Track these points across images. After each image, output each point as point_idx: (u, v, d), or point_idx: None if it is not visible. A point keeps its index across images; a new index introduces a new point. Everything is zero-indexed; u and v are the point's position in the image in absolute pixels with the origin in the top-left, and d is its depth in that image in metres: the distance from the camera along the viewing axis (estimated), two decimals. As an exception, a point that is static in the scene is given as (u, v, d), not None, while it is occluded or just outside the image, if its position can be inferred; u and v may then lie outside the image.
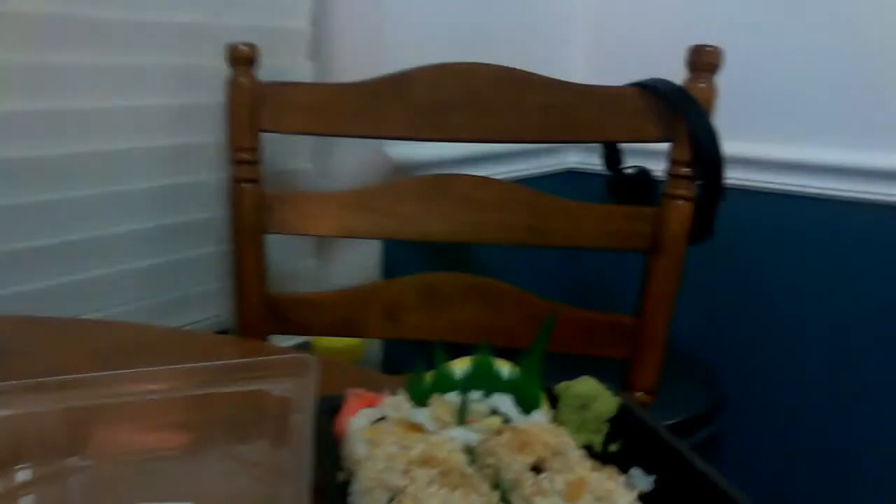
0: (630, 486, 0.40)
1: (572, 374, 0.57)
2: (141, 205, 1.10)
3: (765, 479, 1.66)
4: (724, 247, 1.42)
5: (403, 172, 1.35)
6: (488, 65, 1.00)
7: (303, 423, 0.48)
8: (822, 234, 1.53)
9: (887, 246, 1.46)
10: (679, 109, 0.93)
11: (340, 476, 0.44)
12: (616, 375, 0.97)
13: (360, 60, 1.22)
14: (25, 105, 0.96)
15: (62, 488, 0.50)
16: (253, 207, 1.02)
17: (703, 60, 0.92)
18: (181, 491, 0.50)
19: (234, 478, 0.51)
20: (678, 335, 1.00)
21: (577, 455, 0.41)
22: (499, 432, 0.43)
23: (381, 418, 0.48)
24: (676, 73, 0.94)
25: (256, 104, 1.00)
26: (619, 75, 1.05)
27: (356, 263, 1.35)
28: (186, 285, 1.18)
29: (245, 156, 1.01)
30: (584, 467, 0.39)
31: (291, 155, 1.27)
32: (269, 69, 1.03)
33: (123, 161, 1.07)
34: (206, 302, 1.20)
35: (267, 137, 1.03)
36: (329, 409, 0.52)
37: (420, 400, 0.50)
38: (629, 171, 1.19)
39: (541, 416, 0.49)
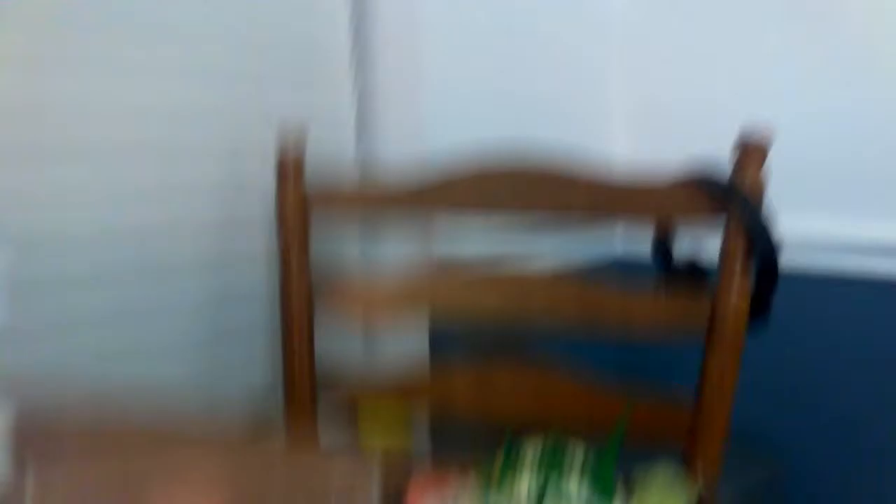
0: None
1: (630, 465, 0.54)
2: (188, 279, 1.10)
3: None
4: (779, 333, 1.37)
5: (450, 261, 1.34)
6: (531, 164, 1.00)
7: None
8: (885, 318, 1.48)
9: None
10: (730, 202, 0.92)
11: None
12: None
13: (403, 136, 1.23)
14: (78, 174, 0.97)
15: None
16: (301, 298, 1.02)
17: (753, 147, 0.91)
18: None
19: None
20: (736, 421, 0.96)
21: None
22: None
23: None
24: (721, 143, 0.92)
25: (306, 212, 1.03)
26: (660, 144, 1.04)
27: (404, 348, 1.32)
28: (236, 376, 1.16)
29: (294, 242, 1.02)
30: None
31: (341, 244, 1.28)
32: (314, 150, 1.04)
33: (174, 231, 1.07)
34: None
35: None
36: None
37: (491, 486, 0.47)
38: (681, 259, 1.17)
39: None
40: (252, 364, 1.19)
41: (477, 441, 0.51)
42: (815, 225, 1.53)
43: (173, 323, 1.09)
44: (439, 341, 1.39)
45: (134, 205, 1.03)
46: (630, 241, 1.84)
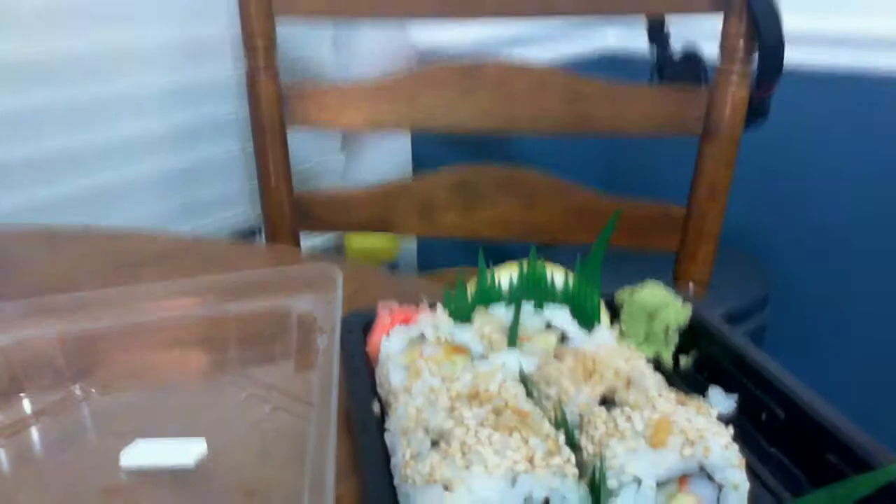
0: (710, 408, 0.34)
1: (618, 271, 0.50)
2: (158, 104, 1.03)
3: (810, 371, 1.61)
4: (778, 132, 1.31)
5: (429, 60, 1.26)
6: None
7: (329, 343, 0.42)
8: (885, 118, 1.42)
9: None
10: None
11: (375, 409, 0.39)
12: (663, 269, 0.90)
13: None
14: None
15: (67, 420, 0.45)
16: (271, 101, 0.95)
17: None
18: (196, 421, 0.45)
19: (254, 405, 0.45)
20: (724, 223, 0.93)
21: (655, 383, 0.34)
22: (559, 356, 0.37)
23: (419, 338, 0.42)
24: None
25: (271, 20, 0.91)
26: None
27: (385, 158, 1.28)
28: (212, 187, 1.12)
29: (259, 43, 0.93)
30: (666, 400, 0.32)
31: (311, 45, 1.18)
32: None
33: (134, 57, 0.99)
34: (233, 203, 1.15)
35: (285, 28, 0.94)
36: (358, 327, 0.46)
37: (462, 315, 0.44)
38: (677, 51, 1.09)
39: (605, 332, 0.42)
40: (230, 194, 1.14)
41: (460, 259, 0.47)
42: (824, 20, 1.43)
43: (149, 160, 1.03)
44: (422, 150, 1.33)
45: (92, 27, 0.94)
46: (624, 36, 1.73)
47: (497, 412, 0.32)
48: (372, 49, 1.23)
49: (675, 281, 0.94)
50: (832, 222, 1.53)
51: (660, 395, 0.33)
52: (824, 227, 1.54)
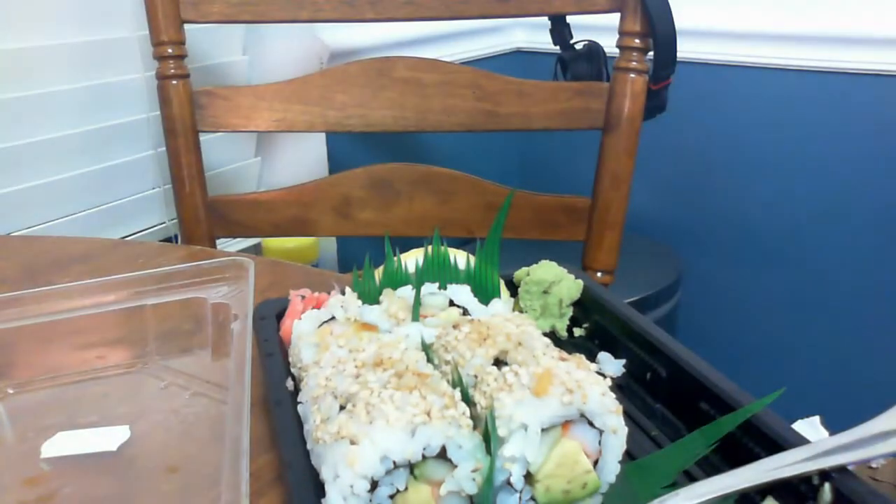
0: (600, 373, 0.38)
1: (530, 262, 0.54)
2: (67, 108, 1.01)
3: (719, 352, 1.69)
4: (676, 123, 1.38)
5: (341, 60, 1.28)
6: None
7: (242, 330, 0.44)
8: (777, 106, 1.51)
9: (843, 115, 1.44)
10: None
11: (289, 385, 0.41)
12: (573, 259, 0.95)
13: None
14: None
15: (-14, 417, 0.46)
16: (183, 105, 0.95)
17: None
18: (116, 412, 0.46)
19: (173, 393, 0.47)
20: (631, 213, 0.98)
21: (542, 344, 0.38)
22: (457, 326, 0.40)
23: (329, 319, 0.44)
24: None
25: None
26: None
27: (301, 160, 1.29)
28: (125, 193, 1.11)
29: (169, 49, 0.93)
30: (551, 357, 0.36)
31: (222, 48, 1.19)
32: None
33: (44, 61, 0.97)
34: (148, 210, 1.14)
35: (195, 31, 0.95)
36: (272, 314, 0.48)
37: (372, 297, 0.46)
38: (579, 47, 1.14)
39: (501, 304, 0.45)
40: (144, 201, 1.14)
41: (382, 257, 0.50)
42: (706, 14, 1.51)
43: (59, 167, 1.02)
44: (337, 150, 1.35)
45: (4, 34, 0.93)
46: (530, 33, 1.78)
47: (399, 375, 0.35)
48: (283, 50, 1.24)
49: (583, 270, 0.98)
50: (738, 208, 1.61)
51: (544, 354, 0.36)
52: (731, 214, 1.62)
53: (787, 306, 1.60)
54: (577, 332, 0.51)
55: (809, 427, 0.95)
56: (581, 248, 0.99)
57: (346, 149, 1.37)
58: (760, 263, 1.61)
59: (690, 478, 0.38)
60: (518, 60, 1.80)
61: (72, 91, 1.01)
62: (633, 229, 0.97)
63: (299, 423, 0.38)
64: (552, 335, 0.51)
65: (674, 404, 0.44)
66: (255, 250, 1.26)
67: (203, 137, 0.98)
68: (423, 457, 0.32)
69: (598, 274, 0.98)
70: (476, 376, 0.36)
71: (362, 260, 1.38)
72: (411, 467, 0.32)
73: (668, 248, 1.62)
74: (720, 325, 1.70)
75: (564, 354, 0.37)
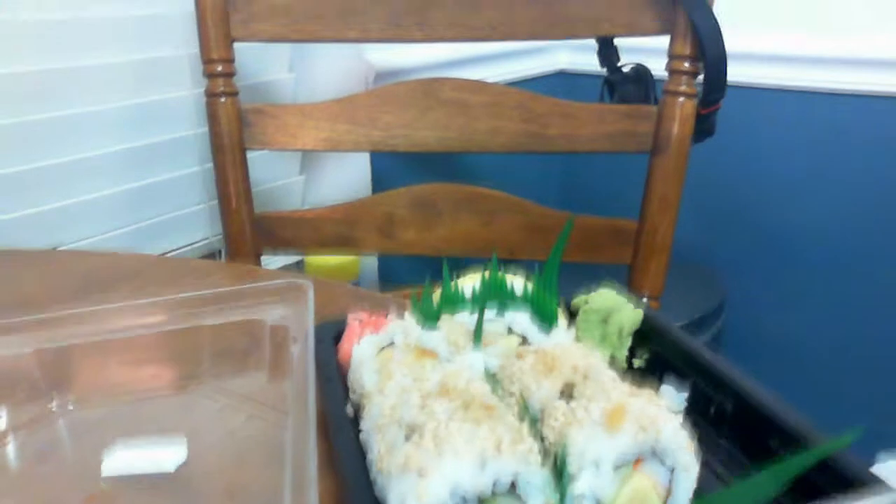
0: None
1: (577, 285, 0.53)
2: (116, 125, 1.03)
3: (764, 379, 1.66)
4: (724, 147, 1.37)
5: (387, 80, 1.29)
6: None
7: (302, 352, 0.44)
8: (822, 129, 1.48)
9: (889, 139, 1.41)
10: (681, 4, 0.87)
11: (349, 411, 0.41)
12: (618, 282, 0.94)
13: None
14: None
15: (45, 434, 0.46)
16: (231, 122, 0.96)
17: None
18: (171, 432, 0.46)
19: (229, 414, 0.47)
20: (676, 237, 0.96)
21: (609, 377, 0.37)
22: (520, 356, 0.39)
23: (389, 344, 0.44)
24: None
25: (226, 11, 0.93)
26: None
27: (345, 178, 1.29)
28: (172, 208, 1.12)
29: (218, 67, 0.95)
30: (620, 392, 0.35)
31: (270, 66, 1.20)
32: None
33: (94, 79, 0.99)
34: (193, 225, 1.15)
35: (242, 48, 0.96)
36: (329, 336, 0.48)
37: (429, 321, 0.46)
38: (626, 69, 1.13)
39: (562, 333, 0.45)
40: (191, 216, 1.15)
41: (421, 275, 0.49)
42: (765, 40, 1.49)
43: (107, 182, 1.03)
44: (381, 169, 1.35)
45: (53, 48, 0.94)
46: (576, 55, 1.78)
47: (465, 406, 0.34)
48: (329, 70, 1.25)
49: (626, 293, 0.97)
50: (782, 232, 1.59)
51: (614, 387, 0.35)
52: (775, 238, 1.60)
53: (833, 332, 1.56)
54: (637, 362, 0.50)
55: (887, 470, 0.93)
56: (624, 272, 0.98)
57: (389, 168, 1.38)
58: (805, 288, 1.58)
59: (761, 518, 0.37)
60: (562, 82, 1.80)
61: (122, 108, 1.03)
62: (675, 252, 0.96)
63: (361, 451, 0.37)
64: (611, 365, 0.50)
65: (740, 441, 0.42)
66: (298, 267, 1.26)
67: (249, 154, 0.99)
68: (493, 492, 0.31)
69: (644, 299, 0.96)
70: (542, 409, 0.36)
71: (403, 278, 1.38)
72: (480, 501, 0.32)
73: (711, 271, 1.60)
74: (764, 352, 1.67)
75: (634, 388, 0.36)
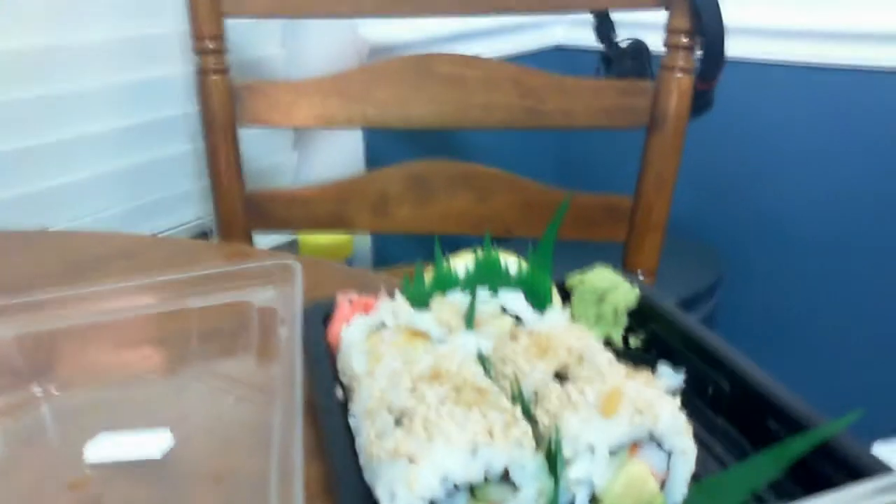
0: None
1: (570, 262, 0.52)
2: (105, 103, 1.01)
3: (759, 357, 1.66)
4: (722, 122, 1.35)
5: (380, 55, 1.27)
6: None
7: (291, 334, 0.43)
8: (820, 105, 1.47)
9: (890, 114, 1.40)
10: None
11: (338, 394, 0.40)
12: (612, 259, 0.93)
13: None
14: None
15: (29, 419, 0.45)
16: (222, 100, 0.94)
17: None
18: (159, 415, 0.45)
19: (217, 397, 0.46)
20: (672, 214, 0.95)
21: (605, 359, 0.36)
22: (514, 336, 0.38)
23: (379, 325, 0.43)
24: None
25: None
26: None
27: (338, 155, 1.28)
28: (163, 187, 1.11)
29: (209, 44, 0.93)
30: (617, 374, 0.34)
31: (260, 42, 1.18)
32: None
33: (83, 56, 0.97)
34: (185, 204, 1.14)
35: (233, 24, 0.94)
36: (319, 318, 0.47)
37: (421, 302, 0.45)
38: (623, 44, 1.11)
39: (557, 313, 0.44)
40: (182, 195, 1.13)
41: (415, 254, 0.48)
42: (748, 12, 1.47)
43: (98, 160, 1.02)
44: (375, 146, 1.34)
45: (39, 27, 0.93)
46: (572, 30, 1.76)
47: (457, 390, 0.33)
48: (322, 45, 1.23)
49: (623, 270, 0.96)
50: (779, 209, 1.57)
51: (610, 370, 0.34)
52: (772, 214, 1.59)
53: (831, 310, 1.56)
54: (633, 341, 0.49)
55: (889, 450, 0.92)
56: (619, 249, 0.97)
57: (382, 145, 1.36)
58: (802, 266, 1.57)
59: (760, 501, 0.36)
60: (558, 57, 1.77)
61: (111, 86, 1.01)
62: (671, 228, 0.95)
63: (350, 435, 0.37)
64: (607, 345, 0.49)
65: (738, 420, 0.42)
66: (291, 246, 1.25)
67: (240, 132, 0.97)
68: (485, 478, 0.30)
69: (640, 272, 0.95)
70: (536, 391, 0.35)
71: (397, 256, 1.37)
72: (472, 488, 0.31)
73: (707, 248, 1.60)
74: (759, 330, 1.66)
75: (630, 370, 0.35)
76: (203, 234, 1.17)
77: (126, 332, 0.50)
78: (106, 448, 0.41)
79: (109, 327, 0.49)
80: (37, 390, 0.47)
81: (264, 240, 1.21)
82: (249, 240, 1.01)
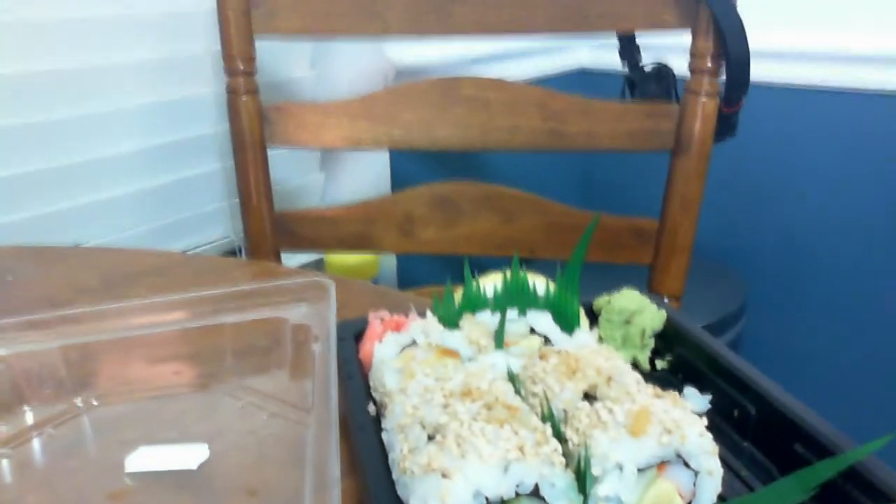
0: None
1: (595, 285, 0.52)
2: (137, 123, 1.03)
3: (785, 382, 1.64)
4: (747, 146, 1.36)
5: (407, 78, 1.29)
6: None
7: (324, 351, 0.44)
8: (845, 129, 1.47)
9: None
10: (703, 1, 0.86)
11: (370, 410, 0.41)
12: (637, 282, 0.93)
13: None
14: (10, 17, 0.89)
15: (70, 430, 0.46)
16: (252, 120, 0.96)
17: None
18: (194, 429, 0.46)
19: (251, 413, 0.47)
20: (697, 237, 0.96)
21: (633, 380, 0.37)
22: (543, 356, 0.39)
23: (411, 343, 0.44)
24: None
25: (248, 7, 0.93)
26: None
27: (364, 176, 1.30)
28: (192, 206, 1.13)
29: (240, 65, 0.95)
30: (645, 394, 0.35)
31: (290, 64, 1.20)
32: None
33: (116, 77, 1.00)
34: (214, 222, 1.16)
35: (264, 46, 0.96)
36: (351, 335, 0.48)
37: (451, 321, 0.46)
38: (648, 67, 1.12)
39: (585, 335, 0.44)
40: (211, 214, 1.15)
41: (440, 275, 0.49)
42: (773, 36, 1.48)
43: (128, 179, 1.04)
44: (400, 167, 1.35)
45: (74, 46, 0.95)
46: (597, 52, 1.77)
47: (488, 407, 0.34)
48: (350, 67, 1.25)
49: (648, 294, 0.96)
50: (805, 233, 1.57)
51: (638, 390, 0.35)
52: (797, 239, 1.58)
53: (857, 334, 1.55)
54: (660, 364, 0.50)
55: None
56: (644, 272, 0.97)
57: (408, 166, 1.38)
58: (829, 291, 1.56)
59: (786, 524, 0.36)
60: (582, 80, 1.79)
61: (144, 106, 1.03)
62: (696, 253, 0.95)
63: (383, 451, 0.37)
64: (633, 367, 0.50)
65: (764, 444, 0.42)
66: (317, 265, 1.27)
67: (269, 152, 0.99)
68: (516, 494, 0.31)
69: (665, 299, 0.96)
70: (565, 411, 0.35)
71: (422, 277, 1.38)
72: (502, 503, 0.32)
73: (733, 272, 1.59)
74: (785, 355, 1.65)
75: (658, 391, 0.36)
76: (232, 253, 1.19)
77: (162, 346, 0.51)
78: (145, 457, 0.42)
79: (146, 342, 0.50)
80: (78, 401, 0.48)
81: (291, 259, 1.22)
82: (278, 258, 1.02)
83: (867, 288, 1.51)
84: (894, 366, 1.51)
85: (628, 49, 1.12)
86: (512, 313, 0.47)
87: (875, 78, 1.40)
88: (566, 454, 0.34)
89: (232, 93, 0.96)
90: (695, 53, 0.89)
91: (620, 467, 0.32)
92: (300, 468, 0.39)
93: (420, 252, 1.03)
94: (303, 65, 1.23)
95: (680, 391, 0.43)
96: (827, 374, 1.61)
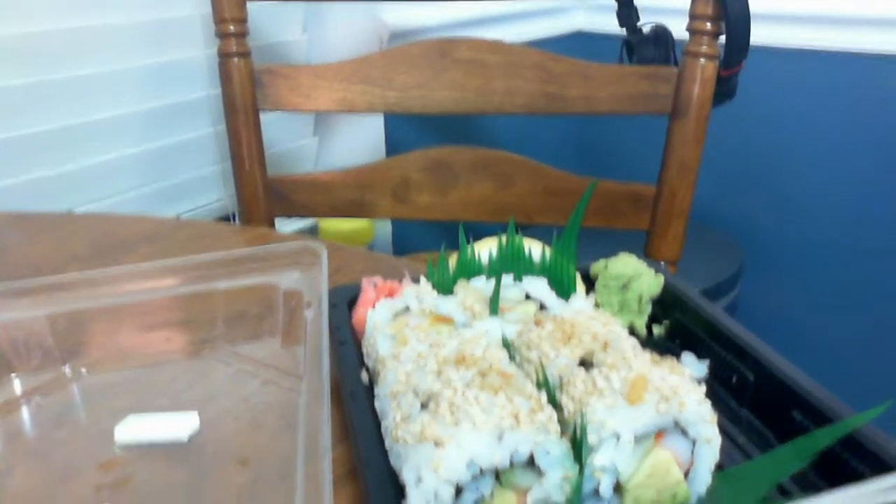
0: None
1: (592, 250, 0.52)
2: (128, 86, 1.02)
3: (779, 347, 1.65)
4: (746, 110, 1.34)
5: (401, 40, 1.27)
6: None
7: (316, 316, 0.43)
8: (846, 93, 1.45)
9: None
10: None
11: (363, 377, 0.40)
12: (634, 248, 0.92)
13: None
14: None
15: (59, 399, 0.46)
16: (244, 83, 0.95)
17: None
18: (185, 396, 0.46)
19: (243, 380, 0.46)
20: (695, 202, 0.95)
21: (630, 346, 0.36)
22: (538, 322, 0.38)
23: (404, 309, 0.43)
24: None
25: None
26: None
27: (358, 140, 1.28)
28: (186, 170, 1.11)
29: (231, 27, 0.93)
30: (642, 361, 0.34)
31: (283, 27, 1.18)
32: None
33: (106, 39, 0.98)
34: (207, 187, 1.15)
35: (255, 8, 0.94)
36: (343, 301, 0.47)
37: (445, 287, 0.45)
38: (646, 29, 1.10)
39: (582, 300, 0.44)
40: (204, 179, 1.14)
41: (435, 241, 0.49)
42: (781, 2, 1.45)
43: (120, 144, 1.02)
44: (395, 132, 1.34)
45: (64, 9, 0.93)
46: (594, 16, 1.75)
47: (482, 374, 0.33)
48: (343, 30, 1.23)
49: (646, 259, 0.96)
50: (803, 198, 1.56)
51: (635, 356, 0.34)
52: (795, 204, 1.57)
53: (854, 300, 1.55)
54: (657, 329, 0.49)
55: None
56: (641, 237, 0.97)
57: (403, 130, 1.36)
58: (826, 255, 1.56)
59: (783, 492, 0.36)
60: (579, 42, 1.76)
61: (135, 69, 1.01)
62: (693, 218, 0.94)
63: (375, 418, 0.37)
64: (630, 333, 0.49)
65: (762, 411, 0.42)
66: (311, 231, 1.26)
67: (262, 116, 0.97)
68: (511, 463, 0.31)
69: (662, 265, 0.95)
70: (561, 377, 0.35)
71: (417, 244, 1.37)
72: (497, 473, 0.31)
73: (729, 237, 1.58)
74: (781, 319, 1.65)
75: (656, 357, 0.35)
76: (225, 217, 1.18)
77: (152, 313, 0.51)
78: (135, 429, 0.42)
79: (137, 309, 0.50)
80: (67, 370, 0.47)
81: (286, 226, 1.22)
82: (272, 224, 1.01)
83: (863, 253, 1.51)
84: (889, 332, 1.52)
85: (626, 11, 1.10)
86: (507, 279, 0.46)
87: (875, 39, 1.38)
88: (561, 422, 0.33)
89: (223, 55, 0.94)
90: (693, 15, 0.88)
91: (617, 436, 0.31)
92: (292, 435, 0.39)
93: (415, 218, 1.02)
94: (296, 28, 1.21)
95: (677, 358, 0.42)
96: (821, 340, 1.61)
